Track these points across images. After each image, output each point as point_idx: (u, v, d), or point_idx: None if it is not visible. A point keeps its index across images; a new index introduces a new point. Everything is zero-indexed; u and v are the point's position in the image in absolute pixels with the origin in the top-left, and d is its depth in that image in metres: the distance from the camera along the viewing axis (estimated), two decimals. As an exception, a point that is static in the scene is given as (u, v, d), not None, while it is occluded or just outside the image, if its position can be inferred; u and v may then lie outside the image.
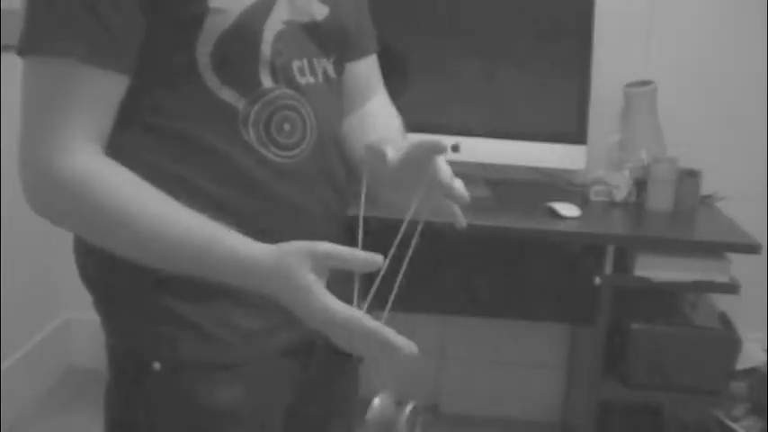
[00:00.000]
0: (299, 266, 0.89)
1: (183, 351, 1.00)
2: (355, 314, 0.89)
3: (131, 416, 1.03)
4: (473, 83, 2.35)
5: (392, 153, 1.01)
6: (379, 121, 1.18)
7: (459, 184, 1.00)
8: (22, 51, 0.93)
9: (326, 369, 1.16)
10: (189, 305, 1.00)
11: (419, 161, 0.99)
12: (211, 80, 0.96)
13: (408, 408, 1.01)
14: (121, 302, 1.03)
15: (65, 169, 0.91)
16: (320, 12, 1.06)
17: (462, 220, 1.04)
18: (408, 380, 2.92)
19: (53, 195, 0.93)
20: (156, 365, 1.00)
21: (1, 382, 2.41)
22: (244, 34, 0.96)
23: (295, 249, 0.91)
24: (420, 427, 0.99)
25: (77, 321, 2.83)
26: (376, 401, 1.02)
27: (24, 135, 0.93)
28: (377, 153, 1.01)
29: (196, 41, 0.94)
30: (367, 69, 1.22)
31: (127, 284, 1.01)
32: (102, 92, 0.93)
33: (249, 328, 1.02)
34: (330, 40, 1.09)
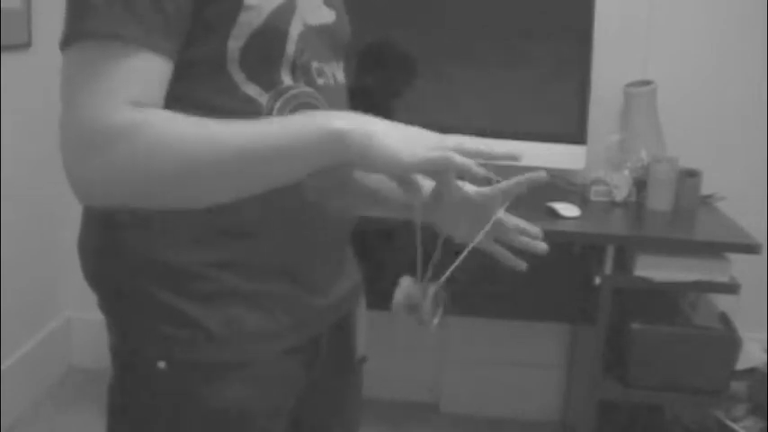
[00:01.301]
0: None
1: (188, 351, 1.00)
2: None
3: (135, 415, 1.03)
4: (473, 83, 2.35)
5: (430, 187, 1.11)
6: None
7: (526, 224, 1.16)
8: (76, 36, 0.89)
9: (330, 370, 1.16)
10: (195, 305, 1.00)
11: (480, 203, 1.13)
12: (238, 75, 0.97)
13: (433, 288, 1.03)
14: (126, 302, 1.03)
15: (115, 118, 0.87)
16: (329, 16, 1.08)
17: (521, 264, 1.20)
18: (409, 379, 2.92)
19: (108, 147, 0.87)
20: (161, 365, 1.00)
21: (1, 382, 2.41)
22: (274, 32, 0.98)
23: None
24: (443, 304, 1.03)
25: (78, 321, 2.83)
26: (402, 283, 1.03)
27: (66, 110, 0.89)
28: (412, 187, 1.02)
29: (228, 37, 0.95)
30: None
31: (132, 284, 1.01)
32: (151, 74, 0.91)
33: (255, 328, 1.02)
34: (339, 45, 1.11)
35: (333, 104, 1.05)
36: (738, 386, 2.24)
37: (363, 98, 2.36)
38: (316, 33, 1.04)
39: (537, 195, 2.34)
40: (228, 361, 1.01)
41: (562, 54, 2.34)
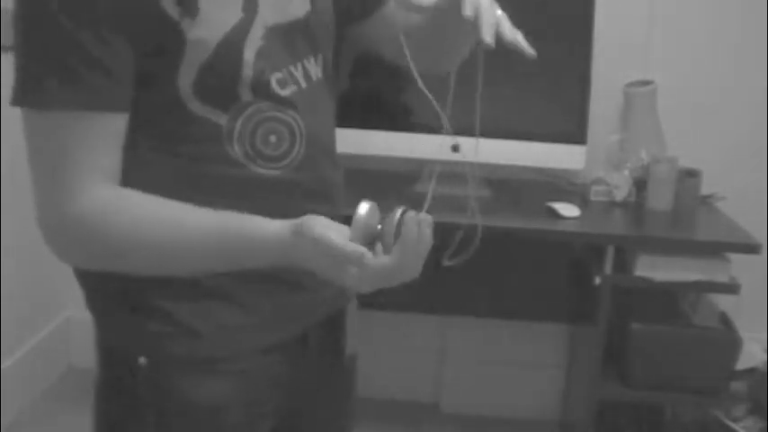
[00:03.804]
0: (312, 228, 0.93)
1: (168, 346, 1.02)
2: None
3: (118, 411, 1.05)
4: (472, 82, 2.34)
5: None
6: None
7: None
8: (20, 102, 0.93)
9: (320, 367, 1.16)
10: (176, 302, 1.01)
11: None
12: (193, 104, 0.96)
13: (398, 213, 0.91)
14: (109, 299, 1.04)
15: (77, 208, 0.92)
16: (300, 9, 1.06)
17: (529, 50, 1.09)
18: (409, 379, 2.92)
19: (72, 236, 0.94)
20: (142, 360, 1.01)
21: (1, 382, 2.41)
22: (224, 61, 0.96)
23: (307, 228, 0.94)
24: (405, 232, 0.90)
25: (78, 321, 2.83)
26: (362, 208, 0.92)
27: (36, 187, 0.94)
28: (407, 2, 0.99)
29: (177, 73, 0.94)
30: (391, 10, 1.22)
31: (114, 282, 1.02)
32: (107, 132, 0.94)
33: (234, 324, 1.03)
34: (315, 36, 1.08)
35: (306, 111, 1.04)
36: (738, 386, 2.23)
37: (364, 100, 2.36)
38: (283, 33, 1.02)
39: (537, 195, 2.35)
40: (209, 356, 1.02)
41: (562, 54, 2.34)
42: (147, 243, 0.95)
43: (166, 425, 1.03)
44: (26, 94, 0.92)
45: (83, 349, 2.85)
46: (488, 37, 0.99)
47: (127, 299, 1.02)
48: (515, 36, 1.04)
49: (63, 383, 2.77)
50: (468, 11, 0.99)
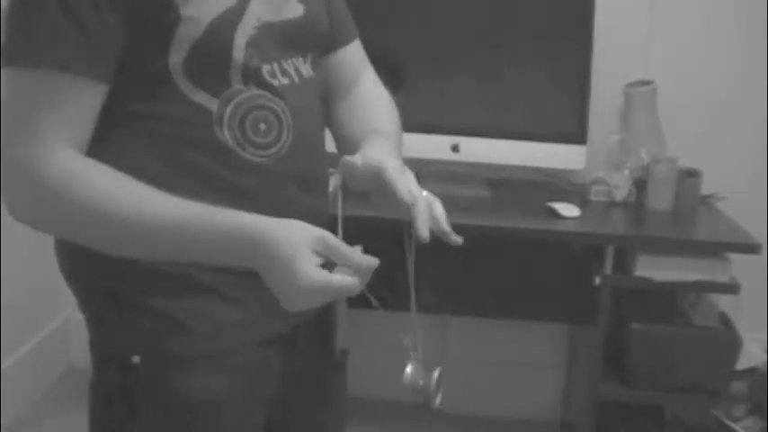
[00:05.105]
0: (301, 239, 0.92)
1: (161, 344, 1.02)
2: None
3: (114, 411, 1.05)
4: (473, 83, 2.34)
5: (361, 165, 1.05)
6: (365, 113, 1.21)
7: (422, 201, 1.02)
8: (4, 61, 0.93)
9: (311, 361, 1.16)
10: (166, 300, 1.02)
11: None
12: (184, 85, 0.98)
13: (436, 372, 1.15)
14: (99, 299, 1.05)
15: (47, 169, 0.92)
16: (296, 11, 1.07)
17: (455, 238, 1.07)
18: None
19: (37, 196, 0.93)
20: (136, 359, 1.02)
21: (1, 382, 2.41)
22: (215, 41, 0.97)
23: (302, 225, 0.94)
24: (443, 384, 1.16)
25: (77, 321, 2.81)
26: (408, 369, 1.17)
27: (6, 142, 0.94)
28: (348, 168, 1.06)
29: (168, 50, 0.96)
30: (350, 56, 1.25)
31: (103, 282, 1.03)
32: (80, 99, 0.94)
33: (226, 319, 1.04)
34: (306, 39, 1.10)
35: (294, 103, 1.05)
36: (738, 386, 2.23)
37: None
38: (276, 31, 1.04)
39: (537, 195, 2.35)
40: (202, 352, 1.03)
41: (562, 54, 2.34)
42: (107, 214, 0.93)
43: (161, 423, 1.04)
44: (9, 52, 0.92)
45: (82, 349, 2.82)
46: (424, 232, 1.00)
47: (118, 298, 1.03)
48: (446, 227, 1.06)
49: (63, 383, 2.77)
50: (406, 197, 1.01)
